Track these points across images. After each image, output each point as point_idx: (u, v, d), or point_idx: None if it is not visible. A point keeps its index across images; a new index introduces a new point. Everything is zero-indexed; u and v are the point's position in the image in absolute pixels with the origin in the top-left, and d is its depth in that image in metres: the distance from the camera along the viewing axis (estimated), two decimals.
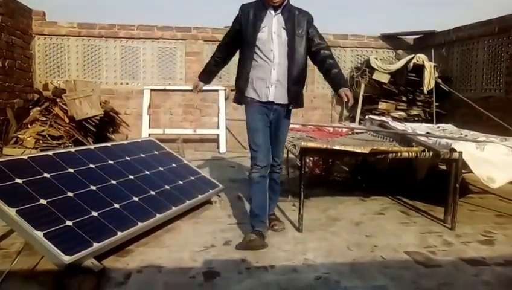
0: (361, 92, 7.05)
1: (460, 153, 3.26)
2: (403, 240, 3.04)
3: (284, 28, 2.86)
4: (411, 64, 6.72)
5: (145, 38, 7.50)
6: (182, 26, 7.60)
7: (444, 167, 4.08)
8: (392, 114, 6.67)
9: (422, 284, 2.35)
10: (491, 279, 2.42)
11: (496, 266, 2.61)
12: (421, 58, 6.71)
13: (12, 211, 2.39)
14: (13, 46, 6.34)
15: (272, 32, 2.86)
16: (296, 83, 2.92)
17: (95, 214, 2.70)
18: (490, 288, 2.32)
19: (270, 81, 2.88)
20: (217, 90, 7.23)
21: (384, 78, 6.93)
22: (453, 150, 3.29)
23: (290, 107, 2.98)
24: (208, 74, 3.24)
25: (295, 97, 2.96)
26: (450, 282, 2.38)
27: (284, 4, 2.88)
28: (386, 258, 2.71)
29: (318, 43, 2.96)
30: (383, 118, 5.06)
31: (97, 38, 7.43)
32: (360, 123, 6.20)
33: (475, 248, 2.91)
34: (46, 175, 2.82)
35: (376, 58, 7.34)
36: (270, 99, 2.90)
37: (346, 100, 2.84)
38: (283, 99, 2.92)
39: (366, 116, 5.48)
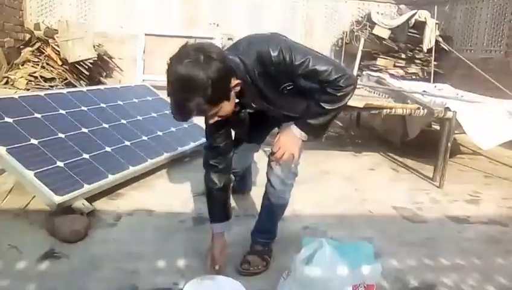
0: (360, 47, 6.92)
1: (454, 112, 3.26)
2: (391, 195, 3.08)
3: None
4: (413, 20, 6.57)
5: None
6: None
7: (437, 127, 4.08)
8: (390, 71, 6.59)
9: (407, 237, 2.41)
10: (474, 236, 2.49)
11: (480, 224, 2.67)
12: (423, 14, 6.55)
13: (2, 150, 2.37)
14: None
15: None
16: None
17: (86, 156, 2.69)
18: (471, 244, 2.38)
19: None
20: (212, 38, 7.06)
21: (385, 34, 6.79)
22: (447, 109, 3.28)
23: None
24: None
25: None
26: (433, 237, 2.44)
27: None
28: (374, 212, 2.76)
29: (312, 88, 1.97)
30: (380, 75, 5.00)
31: None
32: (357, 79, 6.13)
33: (461, 206, 2.97)
34: (37, 115, 2.79)
35: (377, 13, 7.17)
36: None
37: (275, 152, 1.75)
38: None
39: (364, 72, 5.42)
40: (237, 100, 1.72)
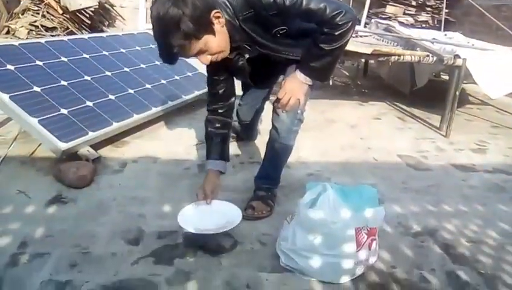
0: None
1: (464, 59, 3.17)
2: (396, 144, 3.07)
3: None
4: None
5: None
6: None
7: (445, 77, 4.00)
8: (400, 19, 6.39)
9: (411, 184, 2.42)
10: (478, 184, 2.49)
11: (484, 172, 2.67)
12: None
13: (5, 97, 2.36)
14: None
15: None
16: None
17: (89, 103, 2.68)
18: (475, 191, 2.39)
19: None
20: None
21: None
22: (456, 56, 3.19)
23: None
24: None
25: None
26: (437, 184, 2.44)
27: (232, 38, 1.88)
28: (378, 160, 2.76)
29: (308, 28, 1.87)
30: (390, 23, 4.85)
31: None
32: (365, 27, 5.96)
33: (466, 155, 2.95)
34: (39, 63, 2.75)
35: None
36: None
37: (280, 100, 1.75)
38: None
39: (372, 20, 5.25)
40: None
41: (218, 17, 1.55)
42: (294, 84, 1.72)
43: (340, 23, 1.57)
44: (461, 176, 2.60)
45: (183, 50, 1.52)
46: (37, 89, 2.54)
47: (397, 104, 4.13)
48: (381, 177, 2.47)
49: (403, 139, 3.18)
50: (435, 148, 3.03)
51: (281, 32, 1.70)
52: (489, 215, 2.12)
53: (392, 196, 2.25)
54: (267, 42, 1.75)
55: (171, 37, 1.47)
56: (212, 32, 1.55)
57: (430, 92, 3.99)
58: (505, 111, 4.13)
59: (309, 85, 1.75)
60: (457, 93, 3.23)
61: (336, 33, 1.59)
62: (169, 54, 1.54)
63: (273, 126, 1.93)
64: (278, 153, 1.99)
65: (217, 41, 1.58)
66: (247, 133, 2.79)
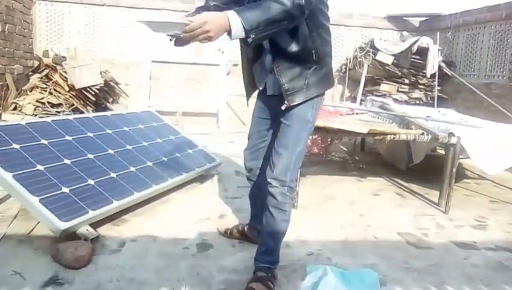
0: (364, 73, 6.99)
1: (459, 137, 3.26)
2: (396, 221, 3.06)
3: None
4: (415, 46, 6.64)
5: (148, 9, 7.38)
6: None
7: (442, 152, 4.08)
8: (394, 96, 6.63)
9: (412, 264, 2.38)
10: (480, 262, 2.45)
11: (487, 250, 2.64)
12: (425, 41, 6.62)
13: (8, 175, 2.40)
14: (13, 11, 6.24)
15: None
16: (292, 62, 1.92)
17: (91, 182, 2.71)
18: (478, 270, 2.35)
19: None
20: (218, 65, 7.18)
21: (388, 60, 6.86)
22: (451, 135, 3.28)
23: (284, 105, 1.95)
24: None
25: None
26: (439, 263, 2.41)
27: None
28: (379, 238, 2.74)
29: None
30: (384, 100, 5.03)
31: (100, 6, 7.31)
32: (361, 104, 6.17)
33: (467, 232, 2.94)
34: (44, 141, 2.82)
35: (381, 39, 7.26)
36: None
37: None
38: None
39: (368, 97, 5.45)
40: None
41: None
42: (215, 18, 1.59)
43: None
44: (463, 254, 2.57)
45: None
46: (40, 167, 2.59)
47: (395, 179, 4.17)
48: (382, 257, 2.44)
49: (403, 216, 3.18)
50: (435, 225, 3.02)
51: None
52: None
53: (393, 276, 2.21)
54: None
55: None
56: None
57: (427, 166, 4.05)
58: (504, 186, 4.16)
59: None
60: (454, 169, 3.28)
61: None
62: None
63: (269, 193, 1.97)
64: (275, 221, 1.98)
65: None
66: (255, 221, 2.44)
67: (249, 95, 2.21)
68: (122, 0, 7.30)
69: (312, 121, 2.02)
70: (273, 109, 2.09)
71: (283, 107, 1.95)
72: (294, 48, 1.87)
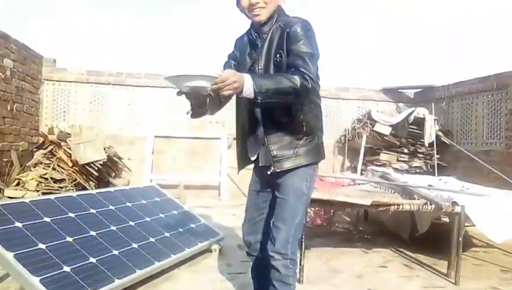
0: (363, 143, 7.11)
1: (463, 206, 3.25)
2: None
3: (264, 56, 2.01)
4: (412, 117, 6.81)
5: (152, 87, 7.66)
6: None
7: (446, 220, 4.05)
8: (394, 165, 6.68)
9: None
10: None
11: None
12: (421, 111, 6.80)
13: (9, 255, 2.36)
14: (22, 91, 6.49)
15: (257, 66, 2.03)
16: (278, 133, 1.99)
17: (93, 260, 2.67)
18: None
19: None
20: (219, 138, 7.33)
21: (386, 130, 7.00)
22: (455, 204, 3.28)
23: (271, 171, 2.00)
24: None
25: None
26: None
27: (271, 19, 2.01)
28: None
29: (289, 63, 1.92)
30: (385, 169, 5.07)
31: (105, 85, 7.60)
32: (361, 174, 6.21)
33: None
34: (47, 219, 2.82)
35: (377, 111, 7.45)
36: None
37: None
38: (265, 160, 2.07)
39: (368, 167, 5.50)
40: None
41: None
42: (238, 77, 1.75)
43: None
44: None
45: None
46: (42, 246, 2.56)
47: (402, 250, 4.09)
48: None
49: (412, 289, 3.08)
50: None
51: (275, 62, 1.99)
52: None
53: None
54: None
55: None
56: None
57: (433, 235, 3.98)
58: None
59: None
60: (460, 239, 3.23)
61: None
62: None
63: (271, 266, 1.95)
64: None
65: None
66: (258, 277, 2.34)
67: (240, 165, 2.22)
68: (126, 79, 7.61)
69: (307, 193, 2.05)
70: (268, 181, 2.11)
71: (269, 172, 1.99)
72: (285, 119, 1.97)
